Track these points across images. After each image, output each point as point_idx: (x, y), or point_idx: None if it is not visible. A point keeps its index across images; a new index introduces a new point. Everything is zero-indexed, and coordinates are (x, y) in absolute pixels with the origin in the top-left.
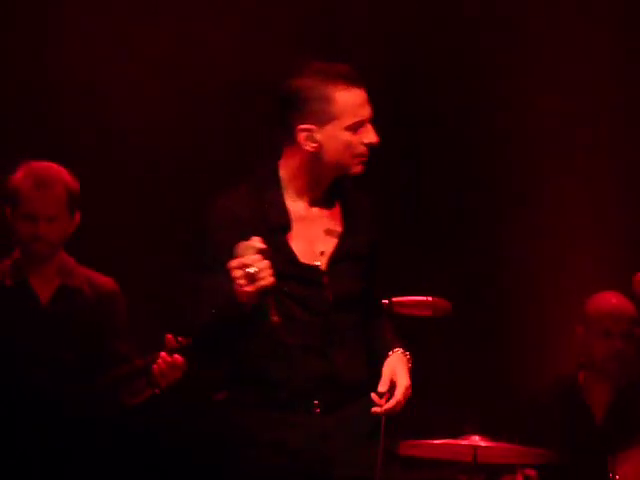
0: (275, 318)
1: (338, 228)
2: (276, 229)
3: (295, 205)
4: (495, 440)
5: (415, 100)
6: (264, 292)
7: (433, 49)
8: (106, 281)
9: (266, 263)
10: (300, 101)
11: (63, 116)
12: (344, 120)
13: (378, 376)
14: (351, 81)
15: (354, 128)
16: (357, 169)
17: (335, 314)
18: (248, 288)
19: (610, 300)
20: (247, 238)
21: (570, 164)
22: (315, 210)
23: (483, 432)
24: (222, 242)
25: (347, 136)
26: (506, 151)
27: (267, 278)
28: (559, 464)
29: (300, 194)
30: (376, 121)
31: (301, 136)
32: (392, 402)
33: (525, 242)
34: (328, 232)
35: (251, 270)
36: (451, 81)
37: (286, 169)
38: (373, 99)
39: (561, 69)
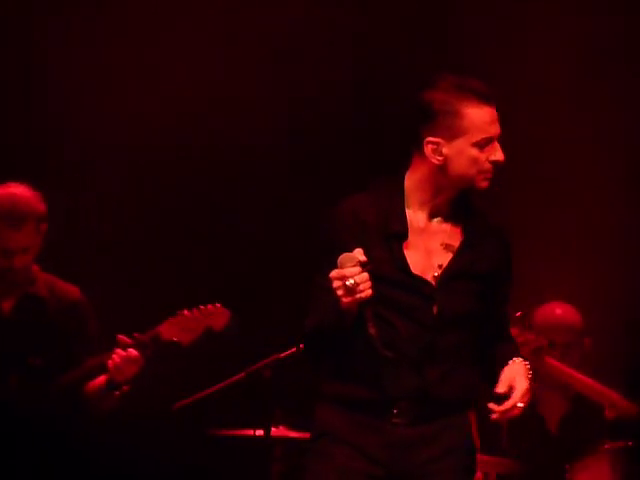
0: (372, 330)
1: (456, 244)
2: (394, 237)
3: (415, 216)
4: None
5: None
6: (362, 304)
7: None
8: (71, 290)
9: (365, 276)
10: (431, 113)
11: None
12: (472, 136)
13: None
14: (483, 98)
15: (481, 145)
16: (482, 184)
17: (440, 330)
18: (346, 299)
19: (555, 311)
20: (366, 243)
21: (530, 168)
22: (435, 223)
23: None
24: (343, 244)
25: (474, 152)
26: None
27: (365, 291)
28: (517, 473)
29: (422, 206)
30: None
31: (428, 148)
32: (509, 403)
33: None
34: (446, 247)
35: (349, 282)
36: None
37: (411, 180)
38: None
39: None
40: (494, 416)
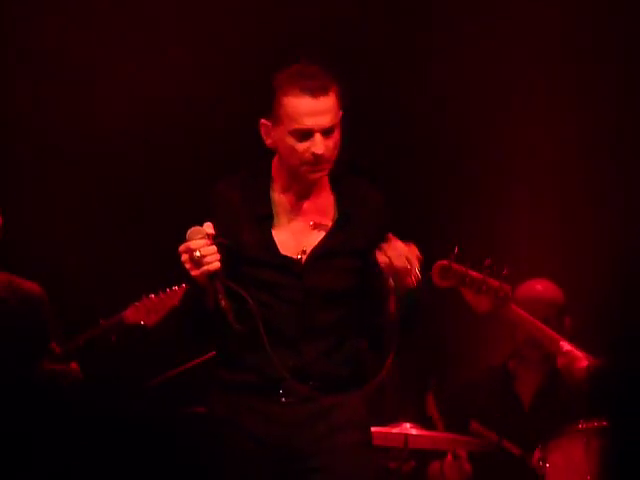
0: (222, 303)
1: (329, 222)
2: (261, 219)
3: (282, 197)
4: (426, 428)
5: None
6: (211, 277)
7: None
8: (30, 286)
9: (212, 249)
10: (270, 96)
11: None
12: (287, 125)
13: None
14: (305, 90)
15: (297, 136)
16: (308, 176)
17: (313, 308)
18: (193, 272)
19: (535, 287)
20: (236, 226)
21: (506, 158)
22: (305, 204)
23: (416, 420)
24: (215, 224)
25: (291, 141)
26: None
27: (212, 263)
28: (490, 452)
29: (286, 188)
30: None
31: (262, 129)
32: (392, 248)
33: (459, 228)
34: (316, 227)
35: (196, 254)
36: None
37: (274, 162)
38: None
39: None
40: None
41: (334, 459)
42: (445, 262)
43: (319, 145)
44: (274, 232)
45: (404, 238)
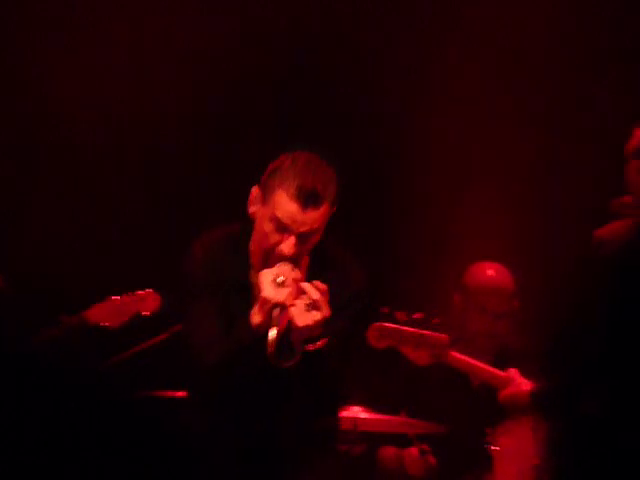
0: (274, 332)
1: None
2: (240, 287)
3: (262, 261)
4: (376, 411)
5: None
6: (282, 307)
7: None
8: None
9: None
10: (269, 169)
11: None
12: (271, 211)
13: None
14: (299, 197)
15: (276, 226)
16: (260, 267)
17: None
18: (278, 296)
19: (487, 273)
20: (222, 292)
21: (458, 142)
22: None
23: (365, 404)
24: (203, 281)
25: (269, 227)
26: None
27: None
28: (440, 435)
29: (263, 255)
30: None
31: (251, 195)
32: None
33: (406, 210)
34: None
35: (280, 279)
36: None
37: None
38: None
39: None
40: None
41: None
42: (377, 325)
43: (289, 247)
44: (253, 300)
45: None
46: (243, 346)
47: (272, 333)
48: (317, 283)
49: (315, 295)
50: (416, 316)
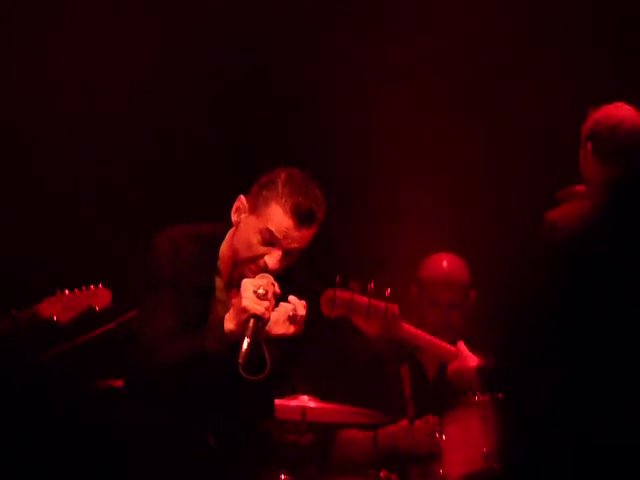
0: (247, 343)
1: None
2: (203, 289)
3: (226, 271)
4: (324, 400)
5: None
6: (257, 317)
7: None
8: None
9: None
10: (259, 183)
11: None
12: (260, 223)
13: None
14: (295, 214)
15: (263, 238)
16: (247, 275)
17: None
18: (255, 308)
19: (441, 265)
20: (180, 290)
21: (407, 127)
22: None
23: (314, 393)
24: (166, 275)
25: (254, 238)
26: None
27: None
28: (390, 423)
29: (232, 263)
30: None
31: (235, 204)
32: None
33: (360, 199)
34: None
35: (261, 291)
36: None
37: (230, 235)
38: None
39: None
40: None
41: None
42: (330, 292)
43: (274, 261)
44: (212, 305)
45: None
46: (206, 350)
47: (245, 343)
48: (303, 302)
49: (302, 312)
50: (369, 286)
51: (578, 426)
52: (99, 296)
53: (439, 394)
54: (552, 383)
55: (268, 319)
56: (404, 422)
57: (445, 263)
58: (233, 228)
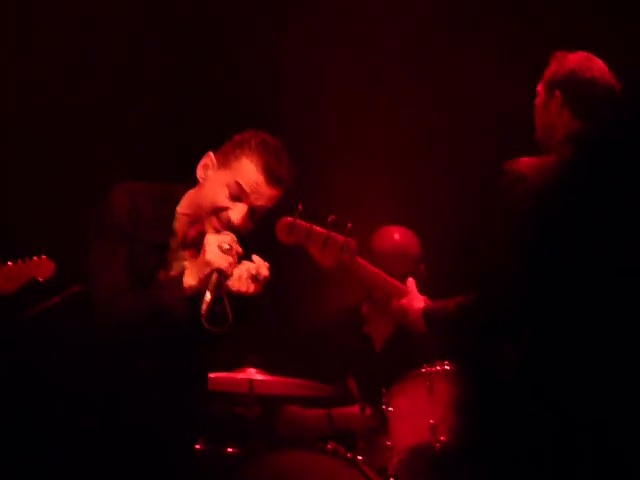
0: (209, 295)
1: None
2: (154, 244)
3: (181, 231)
4: (272, 373)
5: None
6: (220, 271)
7: None
8: None
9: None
10: (231, 141)
11: None
12: (230, 177)
13: None
14: (266, 170)
15: (232, 192)
16: (208, 230)
17: None
18: (222, 263)
19: (393, 237)
20: (136, 245)
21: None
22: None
23: (262, 365)
24: (122, 227)
25: (222, 192)
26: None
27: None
28: (337, 396)
29: (190, 220)
30: None
31: (203, 160)
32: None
33: (314, 173)
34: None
35: (225, 246)
36: None
37: (190, 195)
38: None
39: None
40: None
41: None
42: (289, 219)
43: (239, 215)
44: (162, 261)
45: None
46: (163, 305)
47: (207, 296)
48: (267, 263)
49: (265, 272)
50: (330, 218)
51: (550, 394)
52: (42, 267)
53: (387, 367)
54: (523, 347)
55: (230, 274)
56: (356, 408)
57: (397, 235)
58: (193, 189)
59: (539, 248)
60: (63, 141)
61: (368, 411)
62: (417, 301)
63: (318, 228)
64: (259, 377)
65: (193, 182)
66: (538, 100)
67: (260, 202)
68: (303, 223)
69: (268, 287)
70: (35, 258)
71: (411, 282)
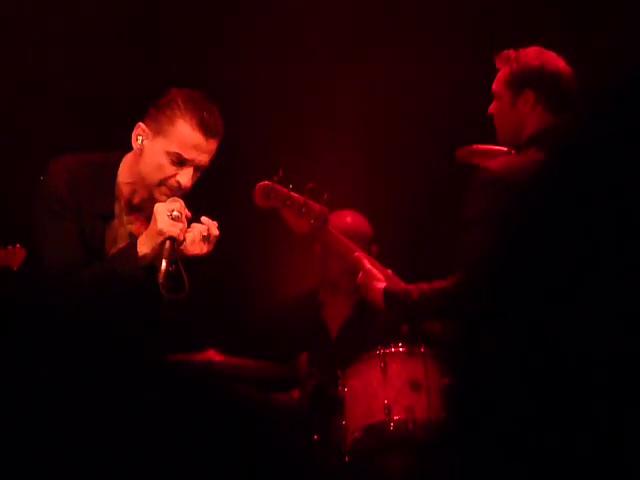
0: (164, 264)
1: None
2: (101, 215)
3: (123, 197)
4: (230, 355)
5: None
6: (173, 239)
7: None
8: None
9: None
10: (157, 105)
11: None
12: (168, 144)
13: None
14: (202, 125)
15: (173, 159)
16: (159, 199)
17: None
18: (171, 229)
19: (345, 220)
20: (79, 218)
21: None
22: (143, 215)
23: (221, 347)
24: (66, 203)
25: (163, 160)
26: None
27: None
28: (295, 378)
29: (130, 191)
30: None
31: (135, 132)
32: None
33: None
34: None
35: (175, 213)
36: None
37: (128, 160)
38: None
39: None
40: None
41: None
42: (268, 183)
43: (187, 177)
44: (108, 231)
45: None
46: (118, 274)
47: (163, 264)
48: (215, 222)
49: (215, 232)
50: (308, 186)
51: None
52: (14, 256)
53: (341, 350)
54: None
55: (183, 240)
56: (296, 393)
57: (349, 219)
58: (130, 154)
59: (515, 245)
60: None
61: (303, 361)
62: (377, 280)
63: (295, 195)
64: (217, 359)
65: (128, 148)
66: (502, 101)
67: (204, 159)
68: (281, 188)
69: (218, 249)
70: (10, 247)
71: (369, 260)
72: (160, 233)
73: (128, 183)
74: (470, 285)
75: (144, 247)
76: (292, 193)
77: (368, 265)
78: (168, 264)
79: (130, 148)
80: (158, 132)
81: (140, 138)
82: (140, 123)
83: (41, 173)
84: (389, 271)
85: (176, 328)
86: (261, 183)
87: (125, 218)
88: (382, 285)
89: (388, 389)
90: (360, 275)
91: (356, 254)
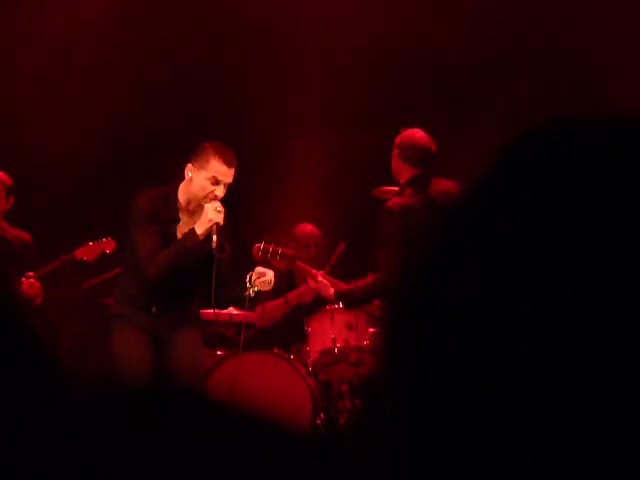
0: (215, 240)
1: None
2: (171, 220)
3: (183, 208)
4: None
5: None
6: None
7: None
8: (22, 234)
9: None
10: (197, 153)
11: None
12: (208, 173)
13: None
14: (227, 161)
15: (212, 181)
16: (207, 202)
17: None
18: (217, 217)
19: (305, 230)
20: (159, 222)
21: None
22: (196, 215)
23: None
24: (149, 220)
25: (206, 184)
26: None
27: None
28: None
29: (185, 204)
30: None
31: (186, 168)
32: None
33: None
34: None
35: (218, 208)
36: None
37: (182, 187)
38: None
39: None
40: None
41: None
42: (259, 244)
43: (220, 191)
44: (178, 230)
45: None
46: (188, 248)
47: (214, 238)
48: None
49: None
50: (283, 241)
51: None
52: (109, 244)
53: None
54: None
55: (222, 224)
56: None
57: (308, 227)
58: (183, 183)
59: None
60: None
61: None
62: (327, 287)
63: (279, 249)
64: (235, 312)
65: (179, 181)
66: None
67: (228, 180)
68: (267, 246)
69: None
70: (104, 239)
71: (321, 274)
72: (210, 221)
73: (185, 199)
74: (387, 284)
75: (200, 229)
76: (274, 247)
77: (320, 277)
78: (217, 238)
79: (182, 179)
80: (200, 168)
81: (190, 172)
82: (188, 164)
83: (129, 198)
84: (322, 273)
85: (223, 271)
86: (255, 245)
87: (186, 220)
88: (331, 290)
89: (334, 328)
90: (309, 281)
91: (313, 271)
